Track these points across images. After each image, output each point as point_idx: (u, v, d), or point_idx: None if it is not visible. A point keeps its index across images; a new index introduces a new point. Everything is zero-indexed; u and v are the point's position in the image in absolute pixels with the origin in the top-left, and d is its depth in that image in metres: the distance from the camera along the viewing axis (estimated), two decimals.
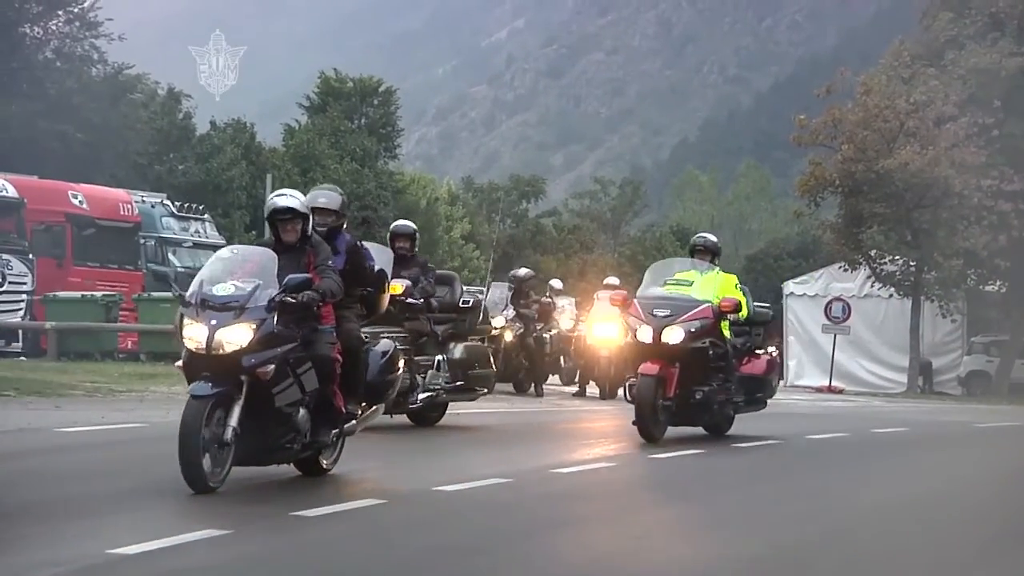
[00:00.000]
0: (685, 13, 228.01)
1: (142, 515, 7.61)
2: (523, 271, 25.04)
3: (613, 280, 25.53)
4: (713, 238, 14.53)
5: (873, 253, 39.66)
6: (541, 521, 8.08)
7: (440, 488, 8.98)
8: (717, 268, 13.62)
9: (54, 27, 46.39)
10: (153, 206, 35.91)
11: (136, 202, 35.07)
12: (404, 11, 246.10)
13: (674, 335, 12.77)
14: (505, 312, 22.62)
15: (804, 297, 42.40)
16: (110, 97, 46.26)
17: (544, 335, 23.20)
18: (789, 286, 43.67)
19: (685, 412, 12.94)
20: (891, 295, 39.89)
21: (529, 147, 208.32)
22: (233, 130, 51.61)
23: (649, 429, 12.56)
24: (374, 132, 59.39)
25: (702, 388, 12.90)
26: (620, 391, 23.64)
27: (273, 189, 32.05)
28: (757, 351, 14.45)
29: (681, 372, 12.71)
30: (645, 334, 12.86)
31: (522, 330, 22.83)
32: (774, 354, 15.08)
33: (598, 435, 14.97)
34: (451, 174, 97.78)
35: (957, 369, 41.04)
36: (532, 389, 22.77)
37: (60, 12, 46.07)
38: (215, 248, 37.79)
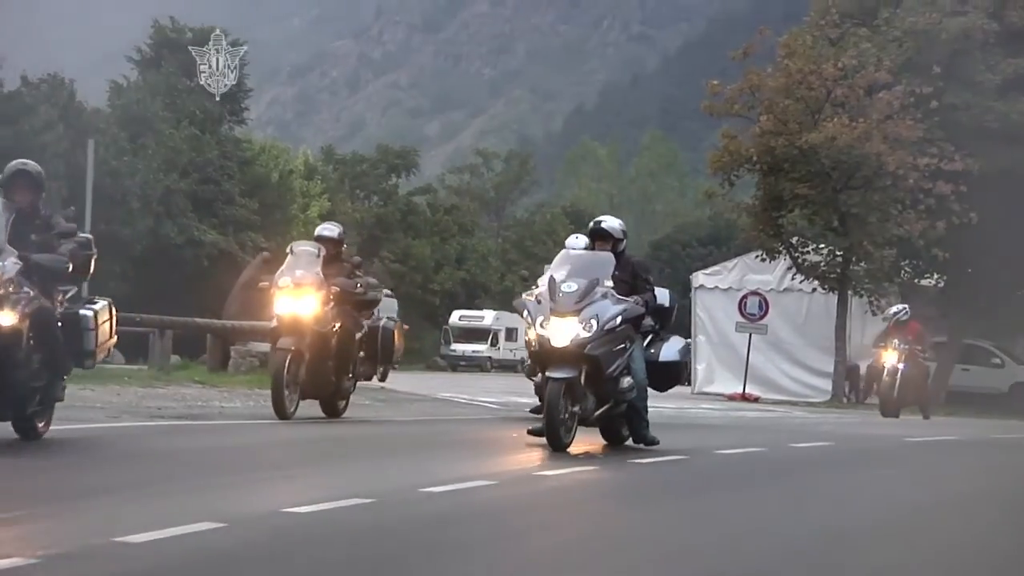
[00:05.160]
0: None
1: None
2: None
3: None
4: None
5: (795, 241, 40.01)
6: (409, 547, 8.07)
7: (291, 510, 8.92)
8: None
9: None
10: None
11: None
12: None
13: None
14: None
15: (716, 291, 42.80)
16: None
17: None
18: (699, 278, 44.05)
19: None
20: (815, 289, 40.31)
21: (400, 113, 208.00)
22: (49, 87, 50.84)
23: None
24: None
25: None
26: None
27: (96, 155, 31.59)
28: None
29: None
30: None
31: None
32: None
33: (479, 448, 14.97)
34: (308, 143, 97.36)
35: None
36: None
37: None
38: None
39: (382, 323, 19.20)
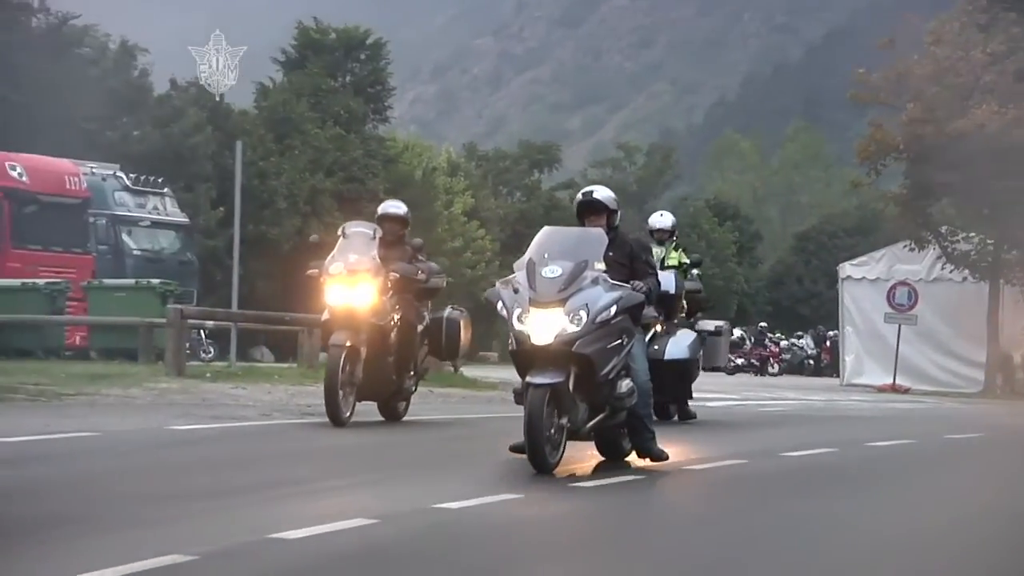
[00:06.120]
0: None
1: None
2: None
3: None
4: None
5: (944, 230, 39.59)
6: (553, 543, 8.11)
7: (442, 505, 8.99)
8: None
9: None
10: (104, 179, 36.01)
11: (85, 174, 35.15)
12: None
13: None
14: None
15: (863, 281, 42.36)
16: (52, 52, 46.22)
17: None
18: (846, 268, 43.64)
19: None
20: (965, 278, 39.82)
21: (542, 108, 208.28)
22: (197, 90, 51.51)
23: None
24: (361, 91, 59.29)
25: None
26: None
27: (244, 157, 32.19)
28: None
29: None
30: None
31: None
32: None
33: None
34: (451, 140, 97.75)
35: None
36: None
37: None
38: (176, 227, 38.23)
39: (446, 314, 16.49)
